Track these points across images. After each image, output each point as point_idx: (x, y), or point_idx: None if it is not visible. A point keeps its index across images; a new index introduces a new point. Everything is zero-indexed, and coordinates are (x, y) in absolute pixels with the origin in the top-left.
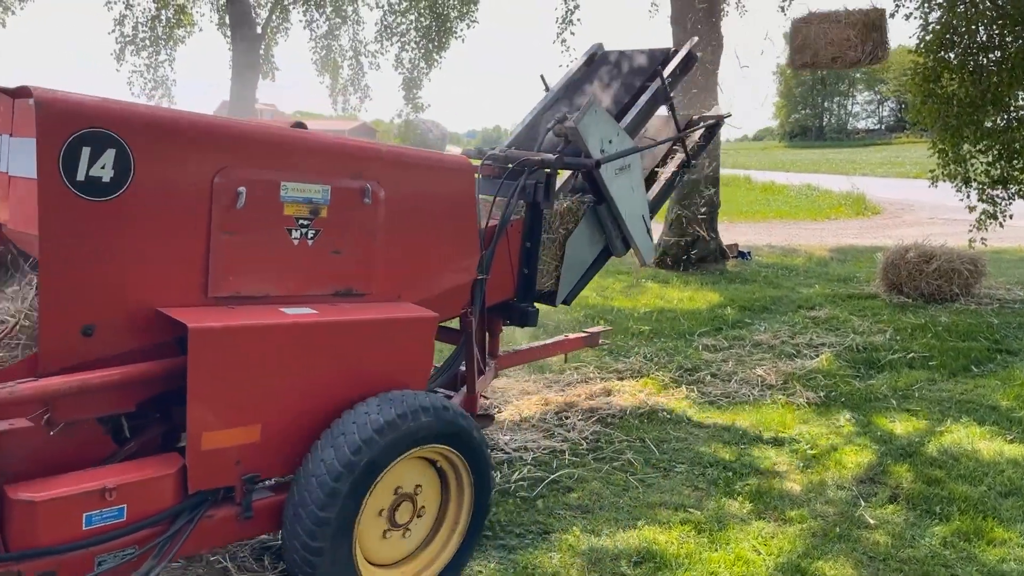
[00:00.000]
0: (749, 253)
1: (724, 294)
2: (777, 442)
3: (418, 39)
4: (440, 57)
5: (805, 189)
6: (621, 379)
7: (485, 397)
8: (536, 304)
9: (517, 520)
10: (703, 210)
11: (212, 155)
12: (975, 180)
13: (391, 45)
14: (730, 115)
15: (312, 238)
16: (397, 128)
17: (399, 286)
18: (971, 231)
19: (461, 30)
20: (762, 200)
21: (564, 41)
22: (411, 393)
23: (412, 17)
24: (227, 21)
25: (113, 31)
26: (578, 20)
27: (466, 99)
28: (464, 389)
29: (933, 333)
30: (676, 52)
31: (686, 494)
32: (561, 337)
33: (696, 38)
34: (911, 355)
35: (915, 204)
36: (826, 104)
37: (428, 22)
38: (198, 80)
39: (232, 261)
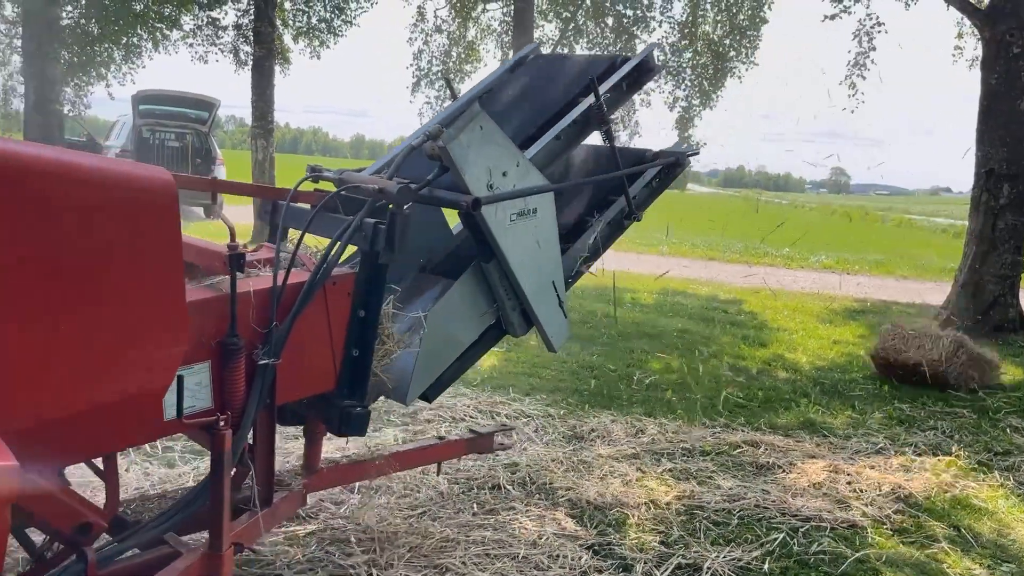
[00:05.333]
0: None
1: None
2: None
3: (693, 77)
4: (717, 96)
5: None
6: (919, 454)
7: (251, 550)
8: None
9: None
10: (1004, 271)
11: None
12: None
13: (666, 83)
14: (696, 152)
15: None
16: None
17: None
18: None
19: (739, 71)
20: None
21: (853, 85)
22: None
23: (688, 55)
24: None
25: (411, 65)
26: (872, 63)
27: (724, 138)
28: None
29: None
30: (627, 60)
31: None
32: (430, 440)
33: (656, 43)
34: None
35: None
36: None
37: (705, 60)
38: None
39: None
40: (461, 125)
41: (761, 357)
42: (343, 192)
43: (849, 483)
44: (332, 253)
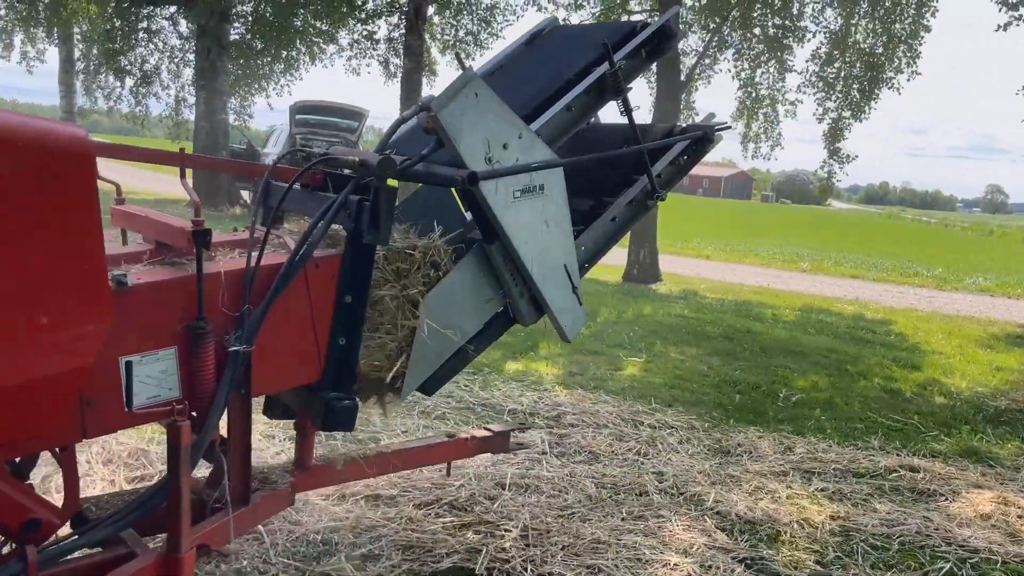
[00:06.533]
0: None
1: None
2: None
3: (844, 89)
4: (869, 108)
5: None
6: None
7: (220, 553)
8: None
9: None
10: None
11: None
12: None
13: (814, 94)
14: (729, 127)
15: None
16: (775, 177)
17: None
18: None
19: (896, 82)
20: None
21: None
22: None
23: (838, 66)
24: (652, 67)
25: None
26: None
27: (868, 151)
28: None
29: None
30: (647, 26)
31: None
32: (438, 438)
33: (678, 8)
34: None
35: None
36: None
37: (858, 71)
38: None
39: None
40: (452, 92)
41: (915, 380)
42: (328, 168)
43: (1021, 516)
44: (314, 233)
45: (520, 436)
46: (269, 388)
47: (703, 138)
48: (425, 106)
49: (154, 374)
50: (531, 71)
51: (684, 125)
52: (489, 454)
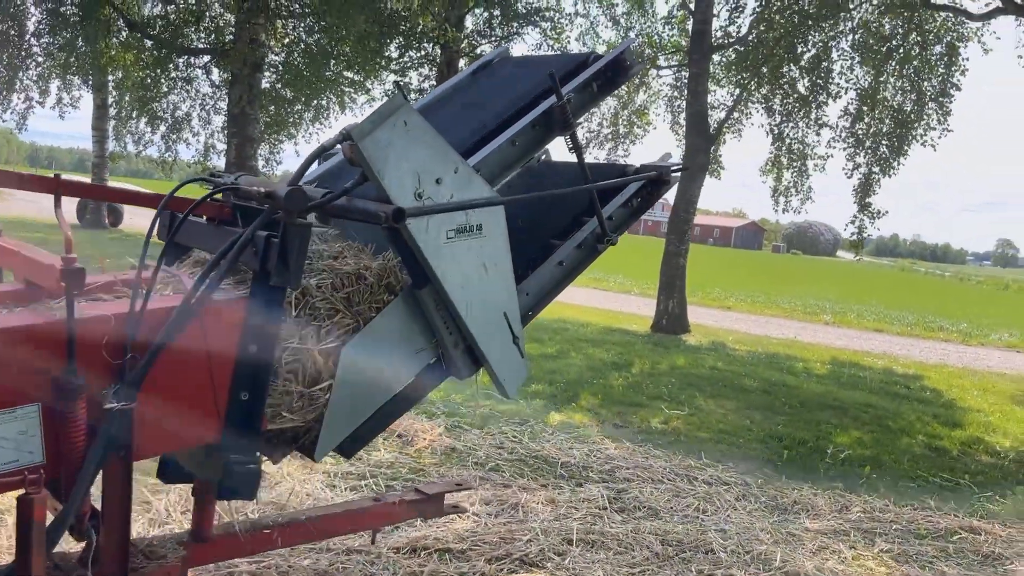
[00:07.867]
0: None
1: None
2: None
3: (873, 145)
4: (898, 164)
5: None
6: None
7: None
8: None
9: None
10: None
11: None
12: None
13: (844, 149)
14: (686, 168)
15: None
16: (785, 228)
17: None
18: None
19: (929, 138)
20: None
21: None
22: None
23: (867, 122)
24: (681, 121)
25: (579, 125)
26: None
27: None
28: None
29: None
30: (599, 58)
31: None
32: (363, 502)
33: (635, 38)
34: None
35: None
36: None
37: (887, 128)
38: None
39: None
40: (378, 118)
41: (958, 438)
42: (237, 200)
43: None
44: (214, 272)
45: (458, 497)
46: (156, 450)
47: (657, 180)
48: (347, 135)
49: (10, 435)
50: (475, 103)
51: (637, 165)
52: (551, 508)
